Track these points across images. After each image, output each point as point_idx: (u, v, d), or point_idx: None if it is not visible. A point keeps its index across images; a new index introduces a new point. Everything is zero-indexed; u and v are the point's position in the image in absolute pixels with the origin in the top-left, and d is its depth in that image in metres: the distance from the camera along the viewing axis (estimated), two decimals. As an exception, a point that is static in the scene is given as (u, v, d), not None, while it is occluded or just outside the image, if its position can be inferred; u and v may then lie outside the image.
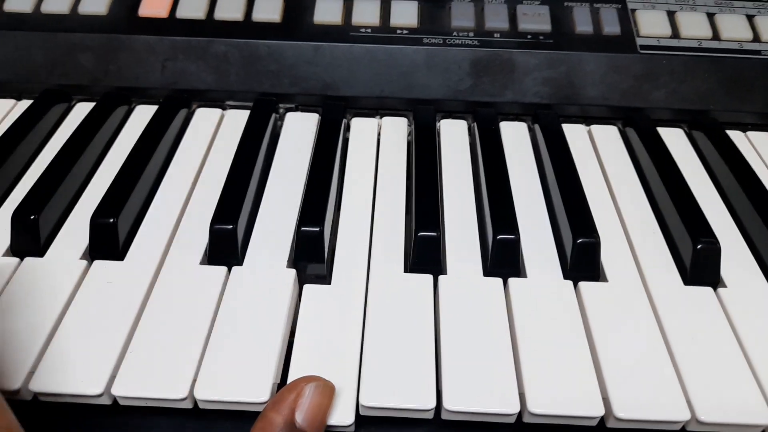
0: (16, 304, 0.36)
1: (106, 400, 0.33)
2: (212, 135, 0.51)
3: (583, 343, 0.35)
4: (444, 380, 0.33)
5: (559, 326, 0.36)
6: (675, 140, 0.52)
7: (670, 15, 0.56)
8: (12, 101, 0.54)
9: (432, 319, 0.36)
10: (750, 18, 0.56)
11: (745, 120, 0.55)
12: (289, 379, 0.33)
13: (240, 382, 0.33)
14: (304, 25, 0.54)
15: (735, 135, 0.53)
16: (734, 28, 0.55)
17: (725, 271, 0.40)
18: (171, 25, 0.54)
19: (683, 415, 0.32)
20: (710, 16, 0.56)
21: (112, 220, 0.40)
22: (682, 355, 0.35)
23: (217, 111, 0.53)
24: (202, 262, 0.40)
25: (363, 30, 0.54)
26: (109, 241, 0.40)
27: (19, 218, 0.40)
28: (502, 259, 0.40)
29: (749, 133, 0.54)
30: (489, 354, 0.34)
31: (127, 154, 0.46)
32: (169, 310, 0.36)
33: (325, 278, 0.39)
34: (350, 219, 0.43)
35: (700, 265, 0.40)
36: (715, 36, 0.55)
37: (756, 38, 0.55)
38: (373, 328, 0.35)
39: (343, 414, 0.32)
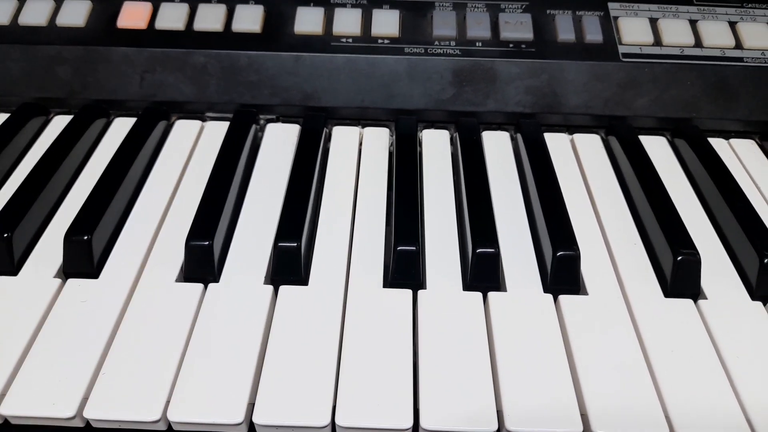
0: (-12, 325, 0.36)
1: (78, 423, 0.33)
2: (191, 147, 0.50)
3: (562, 358, 0.35)
4: (422, 398, 0.33)
5: (538, 341, 0.36)
6: (657, 148, 0.52)
7: (653, 22, 0.55)
8: (-11, 114, 0.54)
9: (410, 335, 0.36)
10: (732, 25, 0.56)
11: (728, 127, 0.55)
12: (260, 397, 0.32)
13: (214, 403, 0.32)
14: (285, 35, 0.53)
15: (717, 143, 0.53)
16: (717, 35, 0.55)
17: (706, 283, 0.40)
18: (150, 36, 0.53)
19: (662, 431, 0.32)
20: (693, 23, 0.56)
21: (86, 237, 0.39)
22: (661, 368, 0.35)
23: (197, 123, 0.53)
24: (178, 279, 0.39)
25: (344, 40, 0.53)
26: (83, 258, 0.39)
27: (-9, 236, 0.39)
28: (482, 273, 0.39)
29: (732, 140, 0.54)
30: (468, 371, 0.34)
31: (104, 168, 0.46)
32: (144, 330, 0.35)
33: (303, 294, 0.39)
34: (329, 232, 0.42)
35: (680, 277, 0.39)
36: (698, 43, 0.54)
37: (738, 45, 0.55)
38: (350, 346, 0.35)
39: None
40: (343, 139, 0.52)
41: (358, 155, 0.50)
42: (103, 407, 0.32)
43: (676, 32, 0.55)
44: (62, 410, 0.32)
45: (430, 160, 0.50)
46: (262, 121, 0.54)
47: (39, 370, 0.33)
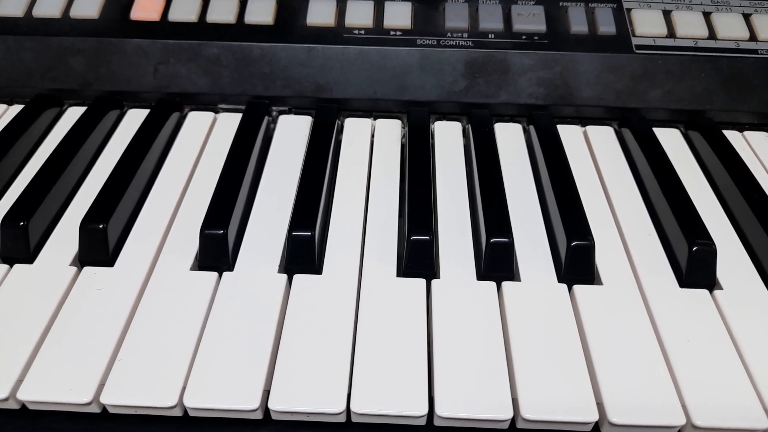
0: (5, 312, 0.36)
1: (95, 408, 0.33)
2: (204, 139, 0.50)
3: (577, 347, 0.35)
4: (437, 386, 0.33)
5: (553, 330, 0.36)
6: (671, 141, 0.52)
7: (666, 14, 0.55)
8: (3, 106, 0.54)
9: (425, 324, 0.36)
10: (746, 17, 0.55)
11: (742, 120, 0.54)
12: (275, 383, 0.32)
13: (230, 389, 0.32)
14: (297, 27, 0.53)
15: (732, 135, 0.53)
16: (731, 27, 0.54)
17: (721, 274, 0.40)
18: (163, 28, 0.53)
19: (679, 420, 0.32)
20: (706, 15, 0.55)
21: (101, 226, 0.39)
22: (677, 358, 0.35)
23: (210, 114, 0.53)
24: (193, 268, 0.39)
25: (356, 31, 0.53)
26: (98, 247, 0.39)
27: (8, 225, 0.39)
28: (496, 262, 0.39)
29: (746, 132, 0.54)
30: (482, 359, 0.34)
31: (118, 159, 0.46)
32: (159, 317, 0.36)
33: (317, 283, 0.39)
34: (342, 222, 0.43)
35: (695, 268, 0.39)
36: (712, 35, 0.54)
37: (753, 37, 0.54)
38: (365, 334, 0.35)
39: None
40: (355, 130, 0.52)
41: (370, 147, 0.50)
42: (120, 393, 0.32)
43: (689, 24, 0.54)
44: (79, 396, 0.32)
45: (442, 151, 0.50)
46: (274, 113, 0.54)
47: (56, 356, 0.34)
